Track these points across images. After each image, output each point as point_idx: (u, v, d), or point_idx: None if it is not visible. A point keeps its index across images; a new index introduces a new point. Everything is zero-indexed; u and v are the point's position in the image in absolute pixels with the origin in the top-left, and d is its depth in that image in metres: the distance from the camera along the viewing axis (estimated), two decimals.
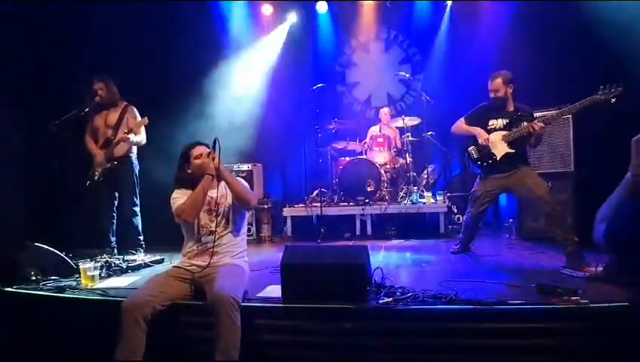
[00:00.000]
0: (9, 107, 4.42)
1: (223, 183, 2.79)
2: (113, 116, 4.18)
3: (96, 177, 4.15)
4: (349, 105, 7.16)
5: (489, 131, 3.72)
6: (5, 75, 4.39)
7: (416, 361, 2.42)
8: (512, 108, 3.70)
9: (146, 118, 4.15)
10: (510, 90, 3.65)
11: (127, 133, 4.06)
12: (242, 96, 6.02)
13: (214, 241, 2.70)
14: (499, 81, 3.63)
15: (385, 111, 6.34)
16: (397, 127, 6.27)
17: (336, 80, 7.14)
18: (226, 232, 2.78)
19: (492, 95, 3.68)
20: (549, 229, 3.55)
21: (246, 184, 2.89)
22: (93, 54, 5.14)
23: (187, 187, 2.79)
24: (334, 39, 7.07)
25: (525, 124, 3.56)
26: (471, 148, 3.84)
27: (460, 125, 3.89)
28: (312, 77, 6.43)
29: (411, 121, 6.03)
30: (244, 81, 6.11)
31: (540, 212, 3.65)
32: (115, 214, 4.26)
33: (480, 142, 3.72)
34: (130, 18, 5.13)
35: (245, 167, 5.46)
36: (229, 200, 2.80)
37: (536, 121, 3.49)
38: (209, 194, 2.76)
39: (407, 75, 6.33)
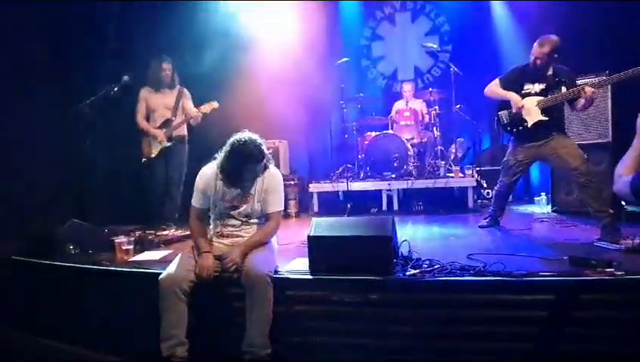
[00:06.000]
0: (42, 89, 4.56)
1: (254, 198, 2.69)
2: (170, 98, 4.37)
3: (153, 155, 4.34)
4: (375, 80, 7.03)
5: (523, 95, 3.55)
6: (38, 55, 4.52)
7: (443, 333, 2.42)
8: (550, 72, 3.49)
9: (216, 102, 4.35)
10: (552, 60, 3.43)
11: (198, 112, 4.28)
12: (267, 72, 6.00)
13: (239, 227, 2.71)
14: (546, 50, 3.37)
15: (407, 88, 6.19)
16: (424, 100, 6.13)
17: (361, 54, 7.01)
18: (252, 222, 2.75)
19: (533, 60, 3.46)
20: (583, 201, 3.44)
21: (265, 235, 2.70)
22: (121, 36, 5.20)
23: (227, 178, 2.66)
24: (359, 12, 6.91)
25: (564, 90, 3.37)
26: (502, 112, 3.69)
27: (494, 88, 3.70)
28: (337, 51, 6.32)
29: (438, 94, 5.88)
30: (269, 58, 6.07)
31: (574, 184, 3.53)
32: (166, 191, 4.44)
33: (514, 109, 3.56)
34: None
35: (271, 143, 5.48)
36: (258, 209, 2.72)
37: (587, 86, 3.25)
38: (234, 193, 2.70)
39: (435, 46, 6.12)
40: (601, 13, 4.76)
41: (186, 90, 4.44)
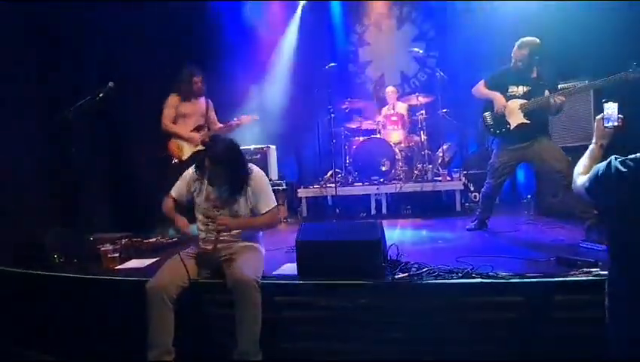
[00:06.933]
0: (28, 96, 4.50)
1: (240, 201, 2.69)
2: (201, 105, 4.41)
3: (184, 157, 4.32)
4: (362, 85, 7.08)
5: (508, 98, 3.59)
6: (21, 62, 4.46)
7: (433, 336, 2.42)
8: (534, 75, 3.55)
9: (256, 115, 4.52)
10: (533, 62, 3.49)
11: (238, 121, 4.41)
12: (254, 78, 6.00)
13: (218, 233, 2.65)
14: (525, 52, 3.46)
15: (390, 90, 6.23)
16: (410, 105, 6.17)
17: (348, 59, 7.06)
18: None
19: (513, 62, 3.54)
20: (568, 203, 3.48)
21: (263, 221, 2.74)
22: (104, 41, 5.16)
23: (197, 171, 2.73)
24: (346, 18, 6.96)
25: (547, 93, 3.42)
26: (487, 113, 3.74)
27: (480, 88, 3.76)
28: (324, 56, 6.35)
29: (424, 98, 5.93)
30: (256, 63, 6.08)
31: (558, 186, 3.58)
32: None
33: (496, 109, 3.62)
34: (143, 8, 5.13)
35: (259, 148, 5.47)
36: (245, 211, 2.71)
37: (557, 95, 3.36)
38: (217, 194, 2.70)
39: (421, 52, 6.19)
40: (586, 16, 4.82)
41: (210, 101, 4.50)
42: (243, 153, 2.71)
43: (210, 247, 2.67)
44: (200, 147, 4.32)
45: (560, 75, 3.74)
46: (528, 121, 3.51)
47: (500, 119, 3.63)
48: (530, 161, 3.72)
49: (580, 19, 4.80)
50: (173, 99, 4.35)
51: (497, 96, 3.62)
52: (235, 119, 4.38)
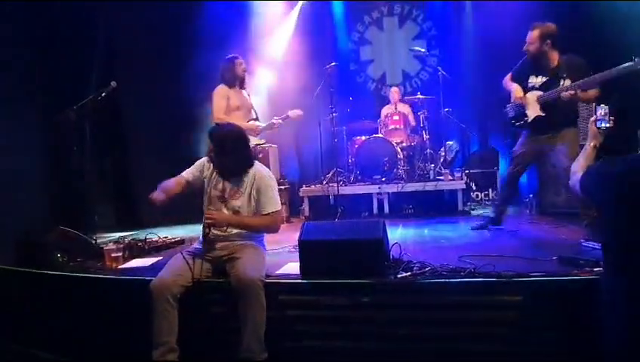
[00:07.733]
0: (28, 95, 4.51)
1: (243, 196, 2.68)
2: (248, 100, 4.34)
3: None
4: (364, 84, 7.09)
5: (528, 89, 3.47)
6: (22, 62, 4.48)
7: (435, 335, 2.43)
8: (554, 64, 3.37)
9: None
10: (547, 47, 3.31)
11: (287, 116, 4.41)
12: (256, 77, 5.99)
13: (207, 228, 2.60)
14: (535, 33, 3.29)
15: (394, 91, 6.25)
16: (411, 105, 6.18)
17: (349, 58, 7.05)
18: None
19: (526, 46, 3.39)
20: (570, 202, 3.48)
21: (260, 223, 2.70)
22: (107, 40, 5.17)
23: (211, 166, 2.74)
24: (347, 16, 6.96)
25: (568, 83, 3.22)
26: (509, 105, 3.65)
27: (506, 80, 3.68)
28: (325, 55, 6.34)
29: (426, 97, 5.93)
30: (258, 62, 6.07)
31: (562, 183, 3.54)
32: None
33: (512, 100, 3.54)
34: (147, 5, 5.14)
35: (261, 148, 5.47)
36: (247, 206, 2.69)
37: (566, 89, 3.21)
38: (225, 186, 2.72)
39: (423, 50, 6.19)
40: (589, 13, 4.79)
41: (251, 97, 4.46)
42: (247, 142, 2.73)
43: (214, 246, 2.68)
44: (259, 140, 4.36)
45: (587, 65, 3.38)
46: (544, 114, 3.38)
47: (520, 112, 3.53)
48: (546, 154, 3.57)
49: (582, 16, 4.79)
50: (221, 90, 4.17)
51: (514, 88, 3.54)
52: (275, 119, 4.36)
